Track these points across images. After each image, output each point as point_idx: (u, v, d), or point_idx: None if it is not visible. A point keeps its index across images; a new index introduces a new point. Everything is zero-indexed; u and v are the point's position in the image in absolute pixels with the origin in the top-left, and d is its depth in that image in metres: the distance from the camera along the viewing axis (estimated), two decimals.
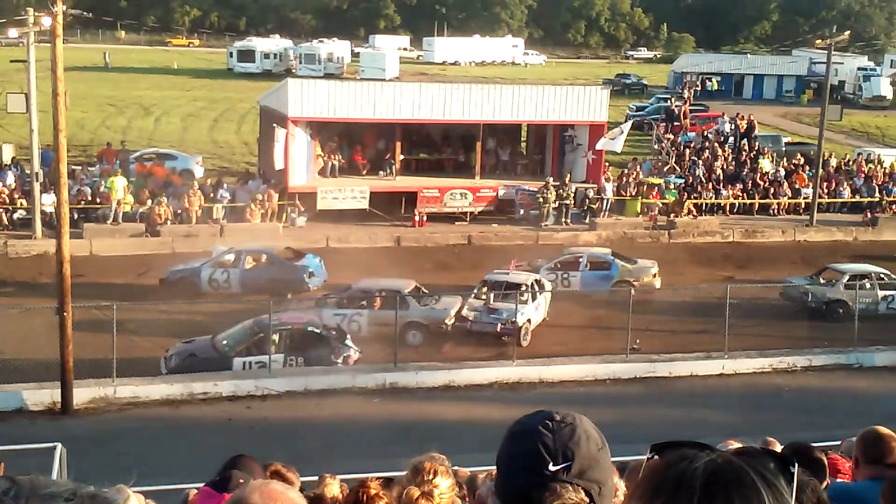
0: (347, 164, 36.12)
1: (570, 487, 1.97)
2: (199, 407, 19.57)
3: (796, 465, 1.73)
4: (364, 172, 36.20)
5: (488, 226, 33.67)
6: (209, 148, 47.39)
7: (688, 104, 53.34)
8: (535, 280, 24.70)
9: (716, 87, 73.87)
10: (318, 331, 21.37)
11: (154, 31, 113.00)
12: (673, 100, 55.91)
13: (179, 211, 31.91)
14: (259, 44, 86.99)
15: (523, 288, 23.54)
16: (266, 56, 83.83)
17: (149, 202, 32.02)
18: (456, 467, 6.22)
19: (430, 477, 3.94)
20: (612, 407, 19.88)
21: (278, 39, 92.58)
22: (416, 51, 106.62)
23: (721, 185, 37.87)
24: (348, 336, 21.66)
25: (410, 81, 50.15)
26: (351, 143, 36.71)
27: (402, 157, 36.43)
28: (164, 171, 35.64)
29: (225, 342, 21.14)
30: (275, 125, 33.01)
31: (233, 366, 20.70)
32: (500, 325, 22.83)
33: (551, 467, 1.97)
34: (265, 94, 37.99)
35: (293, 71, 77.86)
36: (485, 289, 24.09)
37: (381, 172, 36.04)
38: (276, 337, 20.97)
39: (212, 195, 33.06)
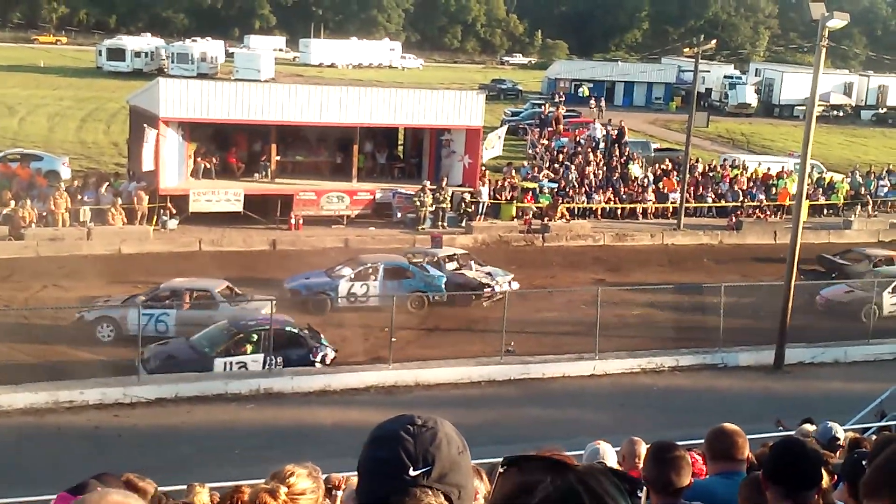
0: (221, 166, 35.53)
1: (430, 492, 1.97)
2: (63, 415, 18.93)
3: (643, 489, 1.77)
4: (238, 174, 35.67)
5: (365, 229, 33.59)
6: (77, 148, 45.99)
7: (560, 110, 54.24)
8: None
9: (587, 94, 75.36)
10: (295, 330, 21.60)
11: (19, 28, 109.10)
12: (547, 105, 56.82)
13: (45, 213, 30.84)
14: (130, 42, 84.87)
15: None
16: (137, 55, 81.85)
17: (12, 204, 30.86)
18: (331, 473, 6.18)
19: (285, 477, 3.90)
20: (488, 409, 20.10)
21: (150, 38, 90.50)
22: (292, 52, 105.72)
23: (593, 189, 38.67)
24: (322, 335, 21.97)
25: (286, 83, 49.64)
26: (225, 145, 36.13)
27: (277, 159, 36.04)
28: (28, 172, 34.38)
29: (202, 343, 21.16)
30: (145, 125, 32.24)
31: (213, 367, 20.71)
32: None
33: (411, 472, 1.96)
34: (135, 94, 37.07)
35: (165, 70, 76.22)
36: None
37: (257, 175, 35.59)
38: (255, 337, 21.20)
39: (79, 197, 32.05)
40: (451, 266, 27.81)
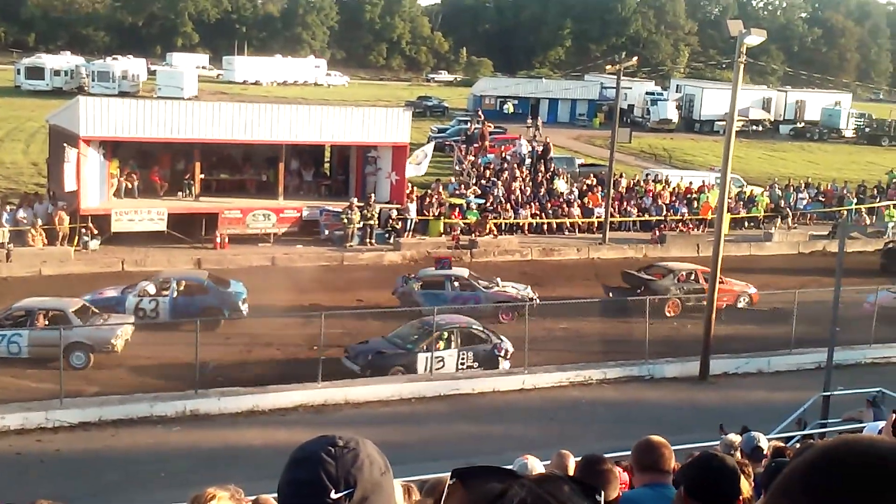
0: (144, 185, 35.01)
1: None
2: None
3: (602, 493, 1.76)
4: (162, 193, 35.18)
5: (293, 247, 33.35)
6: None
7: (486, 126, 54.59)
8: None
9: (512, 111, 75.98)
10: (478, 328, 23.59)
11: None
12: (473, 122, 57.17)
13: None
14: (49, 60, 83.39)
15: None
16: (56, 73, 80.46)
17: None
18: (260, 495, 6.09)
19: (206, 500, 3.83)
20: (418, 425, 20.07)
21: (69, 56, 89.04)
22: (215, 70, 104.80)
23: (519, 205, 38.96)
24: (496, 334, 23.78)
25: (209, 100, 49.15)
26: (147, 164, 35.61)
27: (202, 177, 35.63)
28: None
29: (401, 340, 23.11)
30: (65, 145, 31.63)
31: (417, 361, 22.49)
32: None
33: (333, 495, 1.92)
34: (55, 113, 36.37)
35: (85, 89, 75.01)
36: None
37: (181, 193, 35.13)
38: (446, 334, 23.03)
39: None
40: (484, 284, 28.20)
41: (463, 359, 22.97)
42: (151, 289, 25.43)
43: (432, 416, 20.83)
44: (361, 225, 34.12)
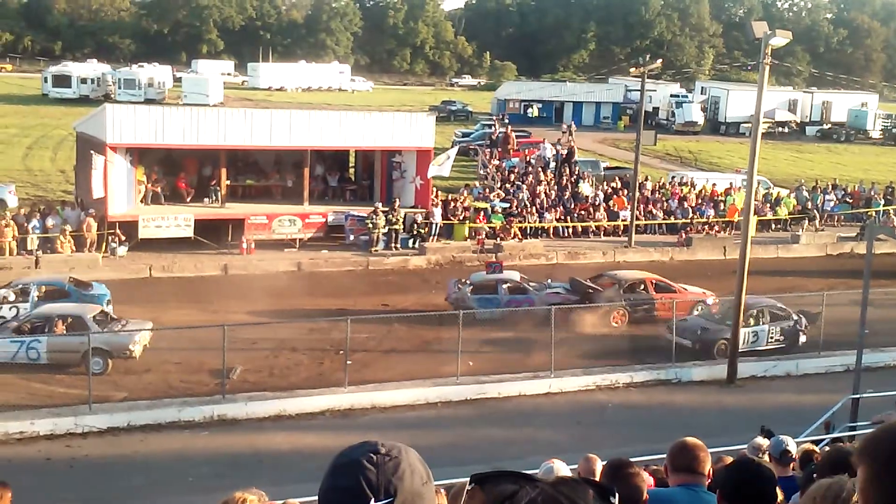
0: (170, 192, 35.25)
1: None
2: (14, 447, 18.57)
3: (616, 494, 1.76)
4: (188, 200, 35.40)
5: (318, 252, 33.45)
6: (23, 176, 45.38)
7: (511, 130, 54.55)
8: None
9: (536, 114, 75.90)
10: (780, 307, 26.12)
11: None
12: (497, 126, 57.15)
13: None
14: (75, 69, 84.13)
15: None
16: (83, 81, 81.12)
17: None
18: (288, 499, 6.12)
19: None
20: (444, 430, 20.07)
21: (96, 64, 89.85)
22: (240, 76, 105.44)
23: (544, 209, 38.90)
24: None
25: (235, 107, 49.42)
26: (174, 170, 35.86)
27: (227, 183, 35.82)
28: None
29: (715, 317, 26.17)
30: (92, 152, 31.89)
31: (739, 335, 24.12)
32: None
33: (373, 503, 1.92)
34: (82, 120, 36.67)
35: (112, 96, 75.62)
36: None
37: (207, 199, 35.34)
38: (755, 312, 25.51)
39: (25, 225, 31.58)
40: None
41: (772, 334, 25.65)
42: (11, 296, 24.97)
43: (459, 420, 20.82)
44: (387, 230, 34.18)
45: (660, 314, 27.17)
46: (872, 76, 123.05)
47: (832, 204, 43.36)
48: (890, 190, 45.66)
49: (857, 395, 19.85)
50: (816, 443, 16.63)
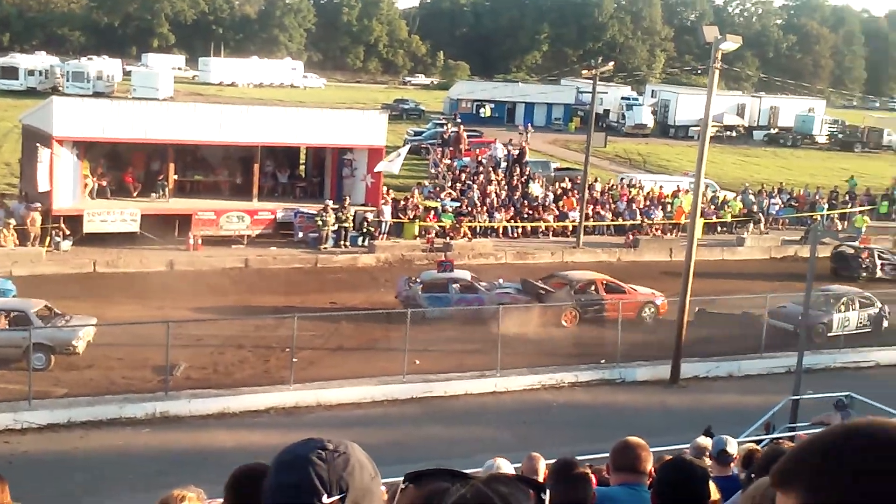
0: (117, 186, 34.81)
1: None
2: None
3: (547, 492, 1.78)
4: (135, 194, 34.99)
5: (266, 249, 33.25)
6: None
7: (463, 129, 54.65)
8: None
9: (488, 114, 76.10)
10: (867, 296, 29.05)
11: None
12: (449, 125, 57.22)
13: None
14: (23, 60, 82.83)
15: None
16: (30, 73, 79.89)
17: None
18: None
19: (176, 501, 3.85)
20: (390, 428, 20.06)
21: (44, 56, 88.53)
22: (191, 71, 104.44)
23: (494, 208, 39.02)
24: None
25: (185, 101, 48.95)
26: (121, 165, 35.41)
27: (175, 178, 35.47)
28: None
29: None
30: (38, 145, 31.38)
31: (833, 320, 27.85)
32: None
33: (325, 499, 1.87)
34: (28, 113, 36.06)
35: (60, 89, 74.56)
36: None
37: (154, 194, 34.96)
38: (845, 299, 28.44)
39: None
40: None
41: (861, 319, 28.43)
42: None
43: (405, 418, 20.83)
44: (336, 227, 34.07)
45: (609, 315, 27.31)
46: (820, 82, 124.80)
47: (777, 208, 43.98)
48: (834, 194, 46.42)
49: (798, 397, 20.18)
50: (757, 443, 16.89)
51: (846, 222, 43.01)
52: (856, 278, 34.37)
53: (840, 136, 76.02)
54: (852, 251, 36.26)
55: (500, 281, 28.99)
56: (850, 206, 44.93)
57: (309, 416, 20.42)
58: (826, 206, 44.52)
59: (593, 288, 28.87)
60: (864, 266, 35.55)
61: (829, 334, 27.86)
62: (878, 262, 35.86)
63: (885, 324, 28.61)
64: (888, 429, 1.46)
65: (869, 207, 44.47)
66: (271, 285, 29.19)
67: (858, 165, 63.25)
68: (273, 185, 37.72)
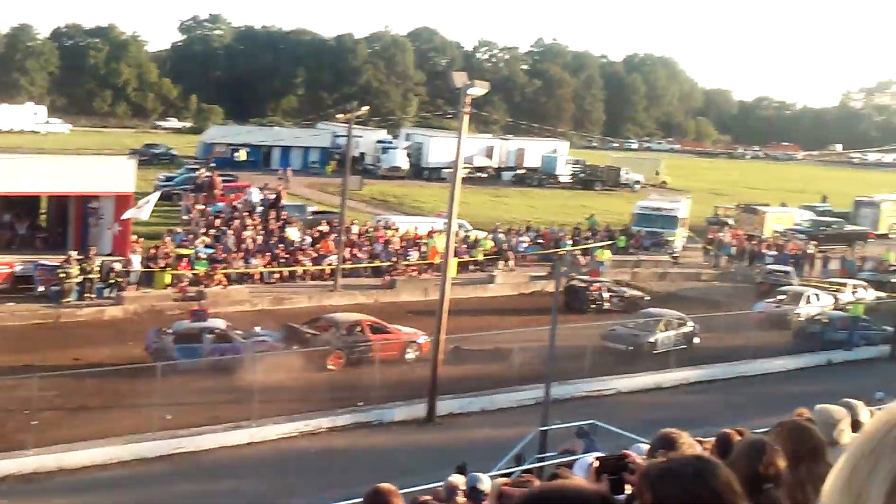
0: None
1: None
2: None
3: None
4: None
5: (3, 305, 31.27)
6: None
7: (217, 174, 53.70)
8: None
9: (244, 158, 75.20)
10: (680, 316, 32.88)
11: None
12: (202, 170, 56.06)
13: None
14: None
15: None
16: None
17: None
18: None
19: None
20: (138, 489, 19.23)
21: None
22: None
23: (250, 254, 38.49)
24: None
25: None
26: None
27: None
28: None
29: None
30: None
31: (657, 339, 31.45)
32: None
33: None
34: None
35: None
36: None
37: None
38: (665, 320, 32.26)
39: None
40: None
41: (677, 337, 31.65)
42: None
43: (153, 477, 19.99)
44: (81, 279, 32.53)
45: (374, 355, 27.46)
46: (563, 124, 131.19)
47: (525, 245, 45.76)
48: (577, 231, 48.83)
49: (546, 427, 20.93)
50: (508, 475, 17.37)
51: (588, 257, 45.27)
52: (585, 310, 36.00)
53: (582, 175, 80.00)
54: (583, 285, 38.17)
55: (258, 328, 28.55)
56: (591, 241, 47.36)
57: (50, 483, 19.27)
58: (570, 242, 46.72)
59: (359, 329, 28.96)
60: (592, 298, 37.43)
61: (654, 352, 31.16)
62: (607, 295, 37.94)
63: (697, 340, 32.17)
64: (575, 492, 1.57)
65: (609, 242, 47.00)
66: (8, 343, 27.44)
67: (599, 203, 66.87)
68: (10, 236, 35.67)
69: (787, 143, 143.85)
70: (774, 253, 47.89)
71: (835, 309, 37.00)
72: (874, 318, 35.61)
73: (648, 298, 38.77)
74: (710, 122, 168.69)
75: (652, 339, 31.47)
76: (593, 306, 37.05)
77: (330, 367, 27.39)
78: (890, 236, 56.89)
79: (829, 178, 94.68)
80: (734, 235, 51.07)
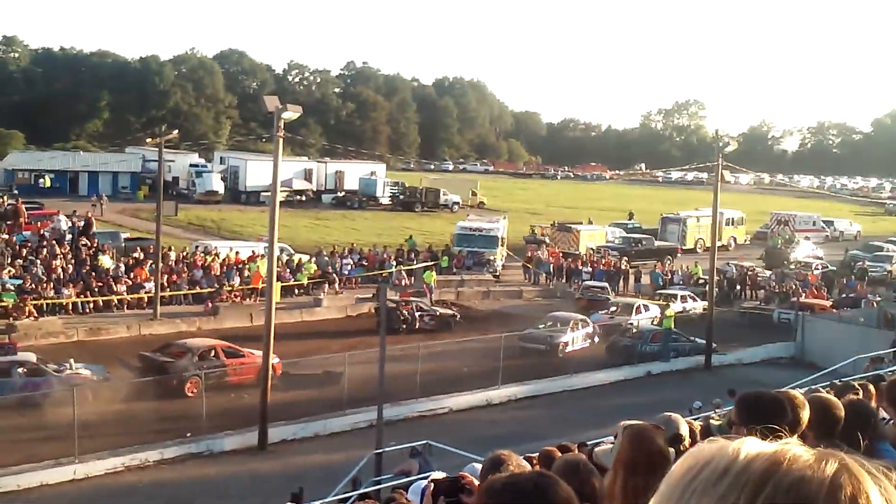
0: None
1: None
2: None
3: None
4: None
5: None
6: None
7: (21, 202, 51.13)
8: None
9: (49, 185, 72.08)
10: (583, 317, 36.92)
11: None
12: (5, 198, 53.30)
13: None
14: None
15: None
16: None
17: None
18: None
19: None
20: None
21: None
22: None
23: (62, 283, 36.81)
24: None
25: None
26: None
27: None
28: None
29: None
30: None
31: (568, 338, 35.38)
32: None
33: None
34: None
35: None
36: None
37: None
38: (572, 322, 36.45)
39: None
40: None
41: (583, 337, 35.61)
42: None
43: None
44: None
45: (232, 379, 27.63)
46: (380, 147, 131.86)
47: (350, 267, 45.66)
48: (401, 252, 49.10)
49: (381, 450, 20.88)
50: (344, 501, 17.23)
51: (413, 278, 45.60)
52: (398, 330, 35.96)
53: (401, 197, 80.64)
54: (393, 305, 38.42)
55: (72, 361, 27.33)
56: (415, 262, 47.72)
57: None
58: (394, 263, 46.92)
59: (213, 354, 28.61)
60: (403, 318, 37.63)
61: (567, 350, 34.59)
62: (417, 314, 38.24)
63: (597, 339, 35.95)
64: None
65: (432, 263, 47.48)
66: None
67: (420, 224, 67.54)
68: None
69: (594, 164, 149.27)
70: (590, 269, 49.53)
71: (643, 322, 38.59)
72: (687, 329, 37.28)
73: (459, 318, 39.28)
74: (521, 144, 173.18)
75: (565, 339, 35.16)
76: (405, 326, 37.16)
77: (189, 394, 26.87)
78: (697, 251, 59.78)
79: (635, 196, 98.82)
80: (551, 254, 52.53)
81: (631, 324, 37.74)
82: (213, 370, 27.81)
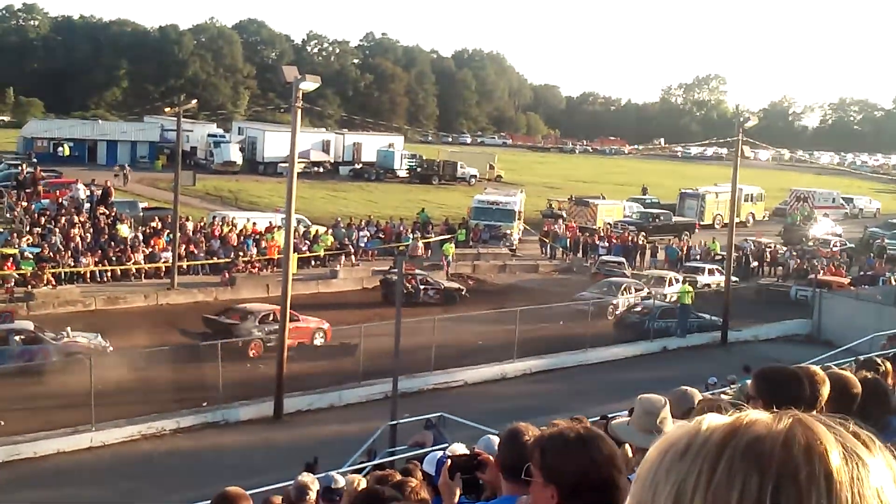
0: None
1: None
2: None
3: None
4: None
5: None
6: None
7: (40, 170, 51.38)
8: None
9: (67, 153, 72.30)
10: (635, 280, 40.20)
11: None
12: (24, 166, 53.53)
13: None
14: None
15: None
16: None
17: None
18: None
19: None
20: None
21: None
22: None
23: (80, 252, 37.00)
24: None
25: None
26: None
27: None
28: None
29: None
30: None
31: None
32: None
33: None
34: None
35: None
36: None
37: None
38: (624, 286, 38.42)
39: None
40: None
41: (635, 300, 37.20)
42: None
43: None
44: None
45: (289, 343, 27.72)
46: (398, 119, 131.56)
47: (366, 239, 45.69)
48: (417, 225, 49.07)
49: (395, 422, 20.96)
50: (360, 471, 17.31)
51: (430, 251, 45.58)
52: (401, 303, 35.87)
53: (419, 169, 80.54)
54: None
55: (68, 329, 27.42)
56: (432, 235, 47.70)
57: None
58: (411, 236, 46.87)
59: (272, 318, 29.01)
60: (406, 291, 37.48)
61: (616, 312, 36.11)
62: (422, 288, 38.10)
63: (653, 301, 36.45)
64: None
65: (449, 236, 47.46)
66: None
67: (437, 197, 67.45)
68: None
69: (613, 138, 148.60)
70: (607, 244, 49.43)
71: (652, 299, 37.95)
72: (703, 306, 37.13)
73: (465, 292, 39.13)
74: (539, 118, 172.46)
75: (615, 302, 36.63)
76: (408, 299, 37.08)
77: (252, 355, 27.98)
78: (715, 226, 59.54)
79: (654, 171, 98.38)
80: (569, 228, 52.43)
81: (645, 298, 37.61)
82: (274, 332, 27.95)
